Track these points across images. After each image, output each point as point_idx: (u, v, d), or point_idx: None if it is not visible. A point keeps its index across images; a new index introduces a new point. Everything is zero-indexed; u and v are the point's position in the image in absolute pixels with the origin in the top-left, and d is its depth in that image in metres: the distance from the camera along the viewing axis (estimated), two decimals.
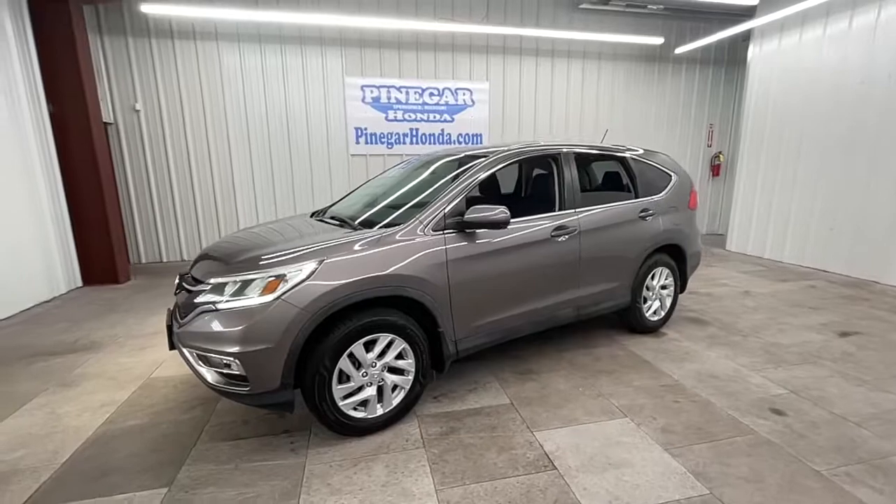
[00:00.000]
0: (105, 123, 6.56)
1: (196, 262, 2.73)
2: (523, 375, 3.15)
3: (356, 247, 2.35)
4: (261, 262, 2.26)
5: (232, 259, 2.40)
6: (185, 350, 2.27)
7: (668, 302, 3.96)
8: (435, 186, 2.84)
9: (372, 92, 7.37)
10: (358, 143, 7.48)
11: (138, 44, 6.54)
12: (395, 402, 2.51)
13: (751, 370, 3.19)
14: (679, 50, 8.15)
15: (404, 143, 7.63)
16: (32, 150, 4.99)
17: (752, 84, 7.29)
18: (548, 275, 3.05)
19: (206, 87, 6.86)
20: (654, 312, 3.88)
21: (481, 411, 2.69)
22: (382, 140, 7.56)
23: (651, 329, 3.89)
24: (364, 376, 2.37)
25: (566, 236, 3.08)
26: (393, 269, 2.34)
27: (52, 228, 5.24)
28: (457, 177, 2.83)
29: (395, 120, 7.53)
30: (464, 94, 7.73)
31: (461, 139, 7.88)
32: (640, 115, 8.67)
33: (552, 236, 3.01)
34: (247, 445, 2.39)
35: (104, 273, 5.78)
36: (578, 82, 8.26)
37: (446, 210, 2.63)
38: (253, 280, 2.17)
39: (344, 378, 2.31)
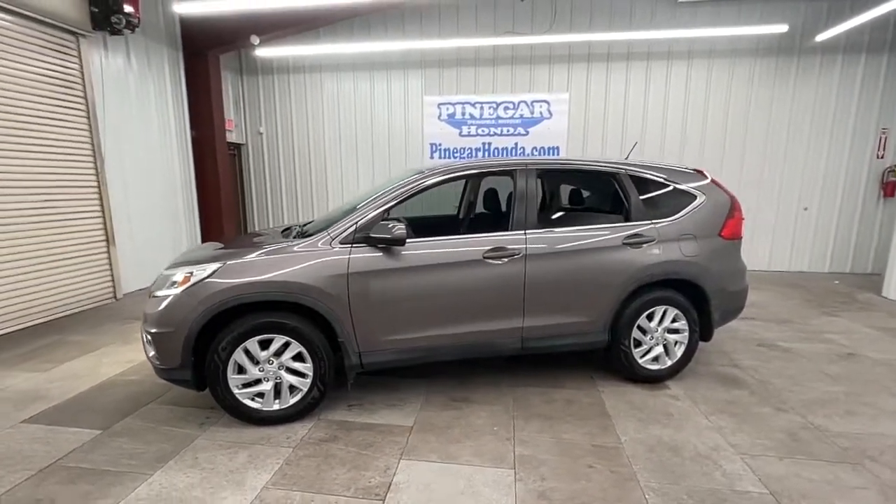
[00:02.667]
0: (238, 145, 8.30)
1: None
2: (453, 402, 2.98)
3: (255, 254, 2.62)
4: (186, 261, 2.71)
5: (180, 259, 2.92)
6: None
7: (679, 350, 3.22)
8: (367, 200, 2.94)
9: (447, 109, 7.66)
10: (432, 157, 7.84)
11: (265, 80, 8.09)
12: (292, 401, 2.69)
13: (737, 453, 2.42)
14: (821, 37, 6.39)
15: (476, 157, 7.70)
16: (175, 164, 6.63)
17: None
18: (479, 299, 2.84)
19: (310, 111, 8.08)
20: (655, 360, 3.21)
21: (375, 427, 2.68)
22: (455, 154, 7.77)
23: (651, 379, 3.23)
24: (260, 371, 2.62)
25: (505, 259, 2.83)
26: (278, 275, 2.54)
27: (184, 223, 6.85)
28: (383, 192, 2.88)
29: (469, 135, 7.67)
30: (540, 107, 7.44)
31: (536, 152, 7.59)
32: (767, 124, 7.05)
33: (485, 258, 2.80)
34: (177, 412, 2.85)
35: None
36: (681, 87, 7.16)
37: (358, 224, 2.71)
38: (174, 275, 2.62)
39: (241, 369, 2.59)
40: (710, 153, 7.24)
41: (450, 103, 7.63)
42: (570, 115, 7.44)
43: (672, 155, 7.28)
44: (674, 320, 3.17)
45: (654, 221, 3.12)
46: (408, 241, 2.71)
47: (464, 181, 4.41)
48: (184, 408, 2.91)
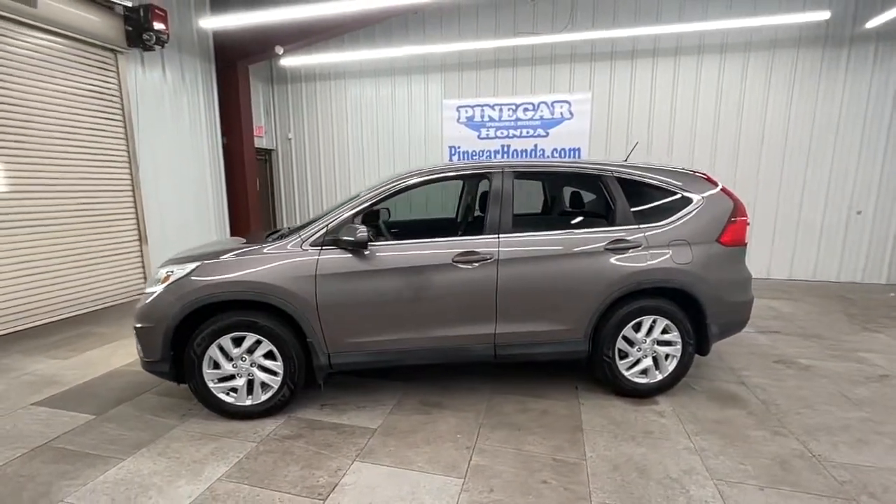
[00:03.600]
0: (269, 150, 8.71)
1: None
2: (423, 407, 2.96)
3: (229, 255, 2.74)
4: (169, 261, 2.87)
5: (176, 256, 3.10)
6: None
7: (671, 364, 3.02)
8: (342, 203, 2.99)
9: (466, 112, 7.63)
10: (451, 160, 7.84)
11: (293, 87, 8.45)
12: (264, 398, 2.78)
13: (712, 478, 2.23)
14: (873, 23, 5.76)
15: (495, 159, 7.62)
16: (206, 170, 7.07)
17: None
18: (449, 304, 2.81)
19: (335, 117, 8.34)
20: (644, 373, 3.02)
21: (340, 428, 2.71)
22: (473, 157, 7.73)
23: (639, 393, 3.04)
24: (234, 367, 2.73)
25: (476, 264, 2.78)
26: (246, 275, 2.64)
27: (213, 223, 7.27)
28: (358, 195, 2.92)
29: (487, 137, 7.61)
30: (561, 107, 7.24)
31: (556, 154, 7.39)
32: (812, 119, 6.46)
33: (455, 262, 2.77)
34: (165, 402, 3.03)
35: None
36: (713, 83, 6.72)
37: (329, 227, 2.77)
38: (159, 273, 2.79)
39: (217, 365, 2.72)
40: (746, 151, 6.74)
41: (468, 106, 7.61)
42: (592, 116, 7.19)
43: (704, 155, 6.85)
44: (664, 331, 2.98)
45: (641, 226, 2.95)
46: (376, 243, 2.74)
47: (461, 183, 4.40)
48: (172, 398, 3.08)
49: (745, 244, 3.13)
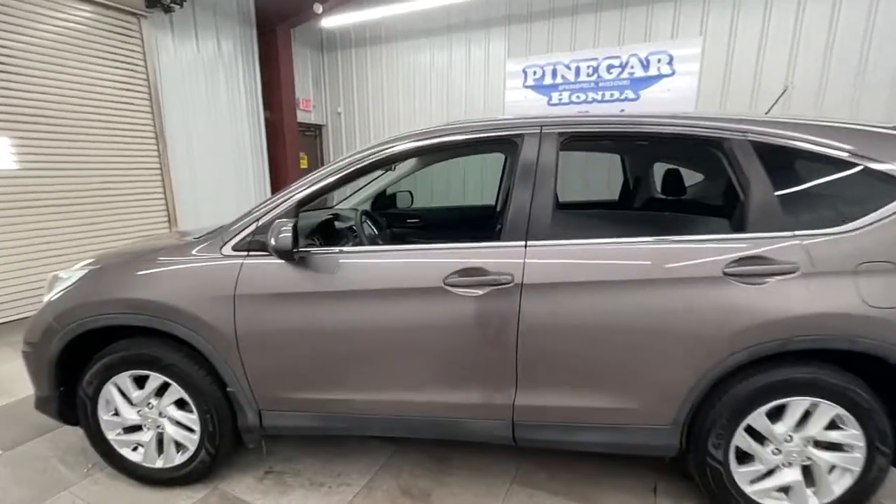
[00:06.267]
0: (319, 126, 8.10)
1: None
2: (405, 496, 1.95)
3: (120, 260, 1.92)
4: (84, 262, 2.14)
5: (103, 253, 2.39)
6: None
7: (842, 480, 1.66)
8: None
9: (535, 73, 6.26)
10: None
11: (343, 55, 7.67)
12: (178, 460, 1.97)
13: None
14: None
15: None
16: (247, 147, 6.58)
17: None
18: (435, 353, 1.73)
19: (386, 88, 7.45)
20: (784, 491, 1.70)
21: None
22: None
23: None
24: (139, 415, 1.95)
25: (484, 289, 1.66)
26: (129, 292, 1.79)
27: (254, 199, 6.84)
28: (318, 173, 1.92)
29: (560, 103, 6.19)
30: (659, 60, 5.57)
31: None
32: None
33: (448, 285, 1.67)
34: (82, 444, 2.37)
35: None
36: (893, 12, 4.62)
37: (261, 222, 1.82)
38: (51, 277, 2.07)
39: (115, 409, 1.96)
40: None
41: (537, 66, 6.22)
42: (702, 71, 5.43)
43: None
44: (832, 426, 1.63)
45: (797, 232, 1.59)
46: (326, 250, 1.75)
47: (503, 157, 3.22)
48: None
49: None
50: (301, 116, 7.36)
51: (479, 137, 1.83)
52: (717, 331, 1.57)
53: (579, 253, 1.66)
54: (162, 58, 5.26)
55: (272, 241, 1.60)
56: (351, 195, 3.36)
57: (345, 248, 1.83)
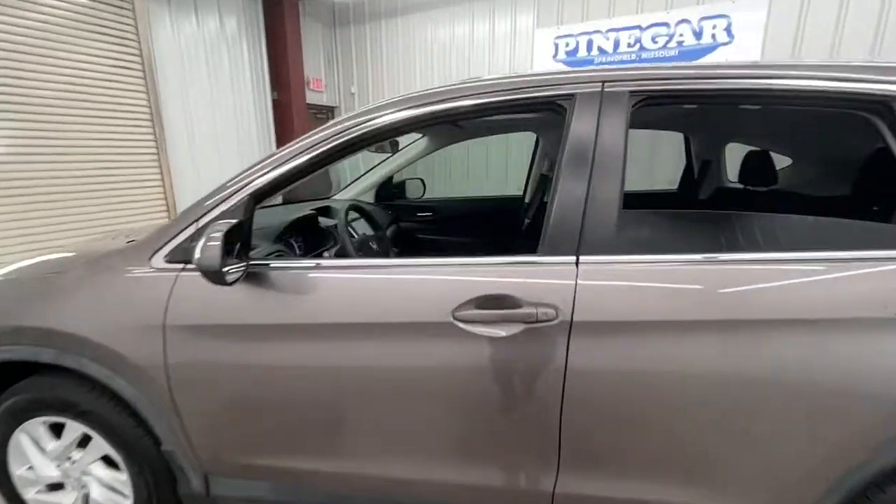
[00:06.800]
0: (331, 107, 7.59)
1: None
2: None
3: (34, 270, 1.45)
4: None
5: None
6: None
7: None
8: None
9: (567, 44, 5.55)
10: None
11: (357, 31, 7.10)
12: None
13: None
14: None
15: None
16: (252, 130, 6.14)
17: None
18: (445, 414, 1.21)
19: (402, 65, 6.86)
20: None
21: None
22: None
23: None
24: (57, 470, 1.50)
25: (518, 326, 1.10)
26: (28, 317, 1.32)
27: None
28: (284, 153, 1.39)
29: None
30: (714, 26, 4.80)
31: None
32: None
33: (458, 320, 1.13)
34: None
35: None
36: None
37: (201, 223, 1.31)
38: None
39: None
40: None
41: (571, 36, 5.51)
42: (766, 37, 4.64)
43: None
44: None
45: None
46: (281, 264, 1.23)
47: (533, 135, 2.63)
48: None
49: None
50: (312, 97, 6.87)
51: (507, 101, 1.24)
52: (872, 397, 0.98)
53: (664, 275, 1.09)
54: (158, 32, 4.82)
55: (196, 255, 1.08)
56: (352, 182, 2.86)
57: (320, 261, 1.31)
